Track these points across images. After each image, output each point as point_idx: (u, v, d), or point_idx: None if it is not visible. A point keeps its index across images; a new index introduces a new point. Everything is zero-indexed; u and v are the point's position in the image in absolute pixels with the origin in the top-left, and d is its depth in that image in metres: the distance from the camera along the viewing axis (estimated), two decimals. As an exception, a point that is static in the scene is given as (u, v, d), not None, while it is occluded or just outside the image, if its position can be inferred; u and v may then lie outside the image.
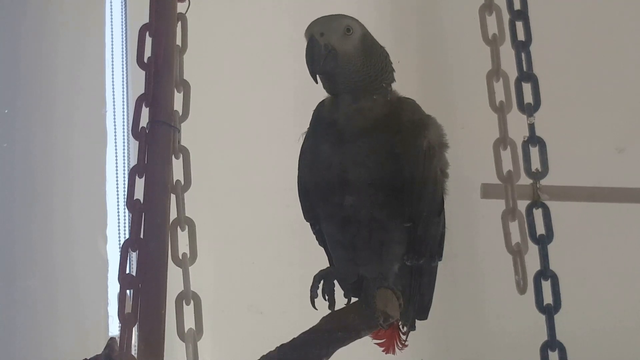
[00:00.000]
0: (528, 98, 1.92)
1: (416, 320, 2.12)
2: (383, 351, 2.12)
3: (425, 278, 2.02)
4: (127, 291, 1.93)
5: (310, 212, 2.03)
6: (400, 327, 2.11)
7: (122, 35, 3.19)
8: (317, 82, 1.88)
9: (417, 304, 2.05)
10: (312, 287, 1.96)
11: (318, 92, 1.95)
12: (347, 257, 1.97)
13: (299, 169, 2.02)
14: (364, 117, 1.87)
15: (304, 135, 2.00)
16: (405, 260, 1.94)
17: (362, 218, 1.88)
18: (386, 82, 1.93)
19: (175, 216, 1.99)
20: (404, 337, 2.13)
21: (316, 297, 1.95)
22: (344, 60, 1.86)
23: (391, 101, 1.91)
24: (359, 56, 1.87)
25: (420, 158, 1.85)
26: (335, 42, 1.85)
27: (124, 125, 3.10)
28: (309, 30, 1.87)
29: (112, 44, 3.18)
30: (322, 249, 2.10)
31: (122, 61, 3.16)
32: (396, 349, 2.12)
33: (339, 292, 2.02)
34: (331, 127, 1.89)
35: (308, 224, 2.06)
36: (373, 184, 1.85)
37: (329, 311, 1.94)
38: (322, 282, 1.97)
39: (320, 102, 1.98)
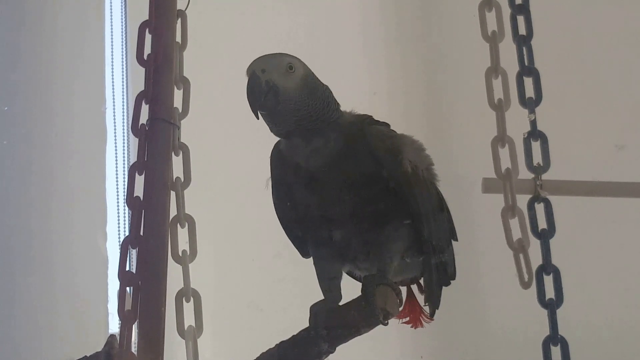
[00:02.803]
0: (529, 93, 1.92)
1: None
2: (411, 327, 2.11)
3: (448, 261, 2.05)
4: (127, 288, 1.93)
5: (306, 248, 2.05)
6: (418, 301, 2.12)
7: (122, 32, 3.19)
8: (258, 118, 1.87)
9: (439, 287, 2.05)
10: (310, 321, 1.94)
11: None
12: (334, 274, 2.00)
13: (279, 218, 2.03)
14: (325, 153, 1.87)
15: (269, 182, 2.01)
16: (404, 257, 1.96)
17: (356, 238, 1.92)
18: (333, 113, 1.92)
19: (175, 213, 1.99)
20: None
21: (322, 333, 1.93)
22: (285, 98, 1.84)
23: (348, 127, 1.91)
24: (300, 94, 1.86)
25: (409, 180, 1.88)
26: (276, 79, 1.84)
27: (123, 122, 3.10)
28: (251, 67, 1.87)
29: (111, 41, 3.18)
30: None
31: (122, 58, 3.17)
32: (423, 323, 2.12)
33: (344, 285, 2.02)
34: (298, 170, 1.91)
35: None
36: (362, 209, 1.88)
37: (312, 320, 1.93)
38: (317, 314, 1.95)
39: (275, 145, 1.98)
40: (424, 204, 1.91)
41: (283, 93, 1.84)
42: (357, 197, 1.87)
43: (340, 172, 1.87)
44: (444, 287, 2.05)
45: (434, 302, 2.01)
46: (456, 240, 2.07)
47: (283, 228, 2.05)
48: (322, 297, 1.98)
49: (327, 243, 1.95)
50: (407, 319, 2.12)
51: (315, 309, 1.93)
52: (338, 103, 1.95)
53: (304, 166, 1.89)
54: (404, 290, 2.05)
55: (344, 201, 1.88)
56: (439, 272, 2.00)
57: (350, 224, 1.90)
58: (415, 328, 2.12)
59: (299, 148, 1.89)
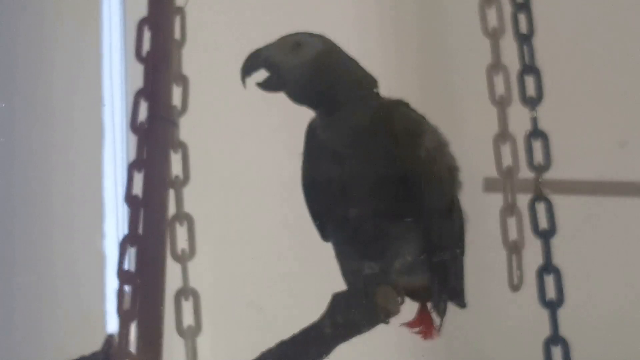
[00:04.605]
0: (530, 91, 1.91)
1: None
2: (421, 337, 2.12)
3: (451, 270, 2.00)
4: (126, 287, 1.92)
5: (325, 231, 2.02)
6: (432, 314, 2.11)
7: (120, 29, 3.19)
8: (245, 88, 1.85)
9: (445, 294, 2.03)
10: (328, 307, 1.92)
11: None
12: (354, 267, 1.97)
13: (304, 194, 2.00)
14: (347, 128, 1.85)
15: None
16: (410, 257, 1.94)
17: (368, 225, 1.88)
18: (362, 91, 1.89)
19: (174, 212, 1.98)
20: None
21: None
22: (288, 75, 1.84)
23: (377, 108, 1.88)
24: (308, 70, 1.84)
25: (421, 169, 1.84)
26: (276, 57, 1.84)
27: (122, 119, 3.10)
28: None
29: (110, 38, 3.18)
30: (322, 244, 2.09)
31: (120, 55, 3.16)
32: (434, 335, 2.12)
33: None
34: (322, 143, 1.90)
35: (308, 220, 2.05)
36: (373, 196, 1.85)
37: (331, 307, 1.93)
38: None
39: (312, 119, 1.97)
40: (432, 200, 1.87)
41: (285, 71, 1.83)
42: (368, 181, 1.85)
43: (358, 150, 1.85)
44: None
45: (439, 309, 2.02)
46: (462, 252, 2.01)
47: (307, 206, 2.01)
48: (319, 296, 1.97)
49: (342, 230, 1.92)
50: (419, 329, 2.12)
51: (337, 297, 1.90)
52: (374, 85, 1.92)
53: (327, 141, 1.88)
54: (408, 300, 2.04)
55: (356, 182, 1.85)
56: (444, 279, 1.97)
57: (360, 209, 1.87)
58: (425, 339, 2.12)
59: (322, 121, 1.88)
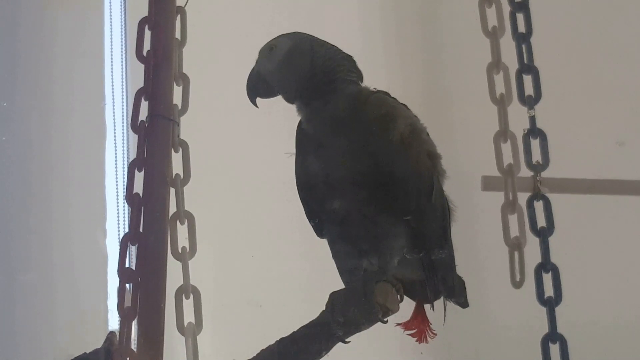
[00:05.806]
0: (528, 90, 1.92)
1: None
2: (416, 341, 2.12)
3: (440, 265, 1.97)
4: (127, 285, 1.93)
5: (319, 227, 2.02)
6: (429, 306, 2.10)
7: (122, 28, 3.19)
8: (257, 107, 1.94)
9: (438, 287, 2.01)
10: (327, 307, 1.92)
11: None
12: (351, 266, 1.97)
13: (298, 190, 2.01)
14: (325, 116, 1.87)
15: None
16: (405, 253, 1.94)
17: (356, 218, 1.87)
18: (339, 78, 1.89)
19: (175, 210, 1.99)
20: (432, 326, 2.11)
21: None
22: (272, 79, 1.90)
23: (354, 94, 1.88)
24: (282, 69, 1.89)
25: (394, 153, 1.82)
26: (261, 67, 1.91)
27: (123, 118, 3.10)
28: None
29: (111, 37, 3.18)
30: (322, 242, 2.10)
31: (121, 54, 3.16)
32: (428, 338, 2.11)
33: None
34: (307, 136, 1.92)
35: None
36: (354, 184, 1.84)
37: (329, 305, 1.93)
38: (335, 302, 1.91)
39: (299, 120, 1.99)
40: (407, 184, 1.84)
41: (268, 76, 1.90)
42: (348, 170, 1.84)
43: (336, 139, 1.85)
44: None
45: (433, 301, 2.01)
46: (447, 244, 2.01)
47: (302, 204, 2.02)
48: (319, 294, 1.97)
49: (333, 225, 1.92)
50: (413, 331, 2.12)
51: (334, 296, 1.91)
52: (351, 73, 1.92)
53: (310, 132, 1.89)
54: (405, 298, 2.03)
55: (336, 172, 1.85)
56: (431, 268, 1.96)
57: (344, 200, 1.86)
58: (420, 343, 2.12)
59: (303, 113, 1.91)
